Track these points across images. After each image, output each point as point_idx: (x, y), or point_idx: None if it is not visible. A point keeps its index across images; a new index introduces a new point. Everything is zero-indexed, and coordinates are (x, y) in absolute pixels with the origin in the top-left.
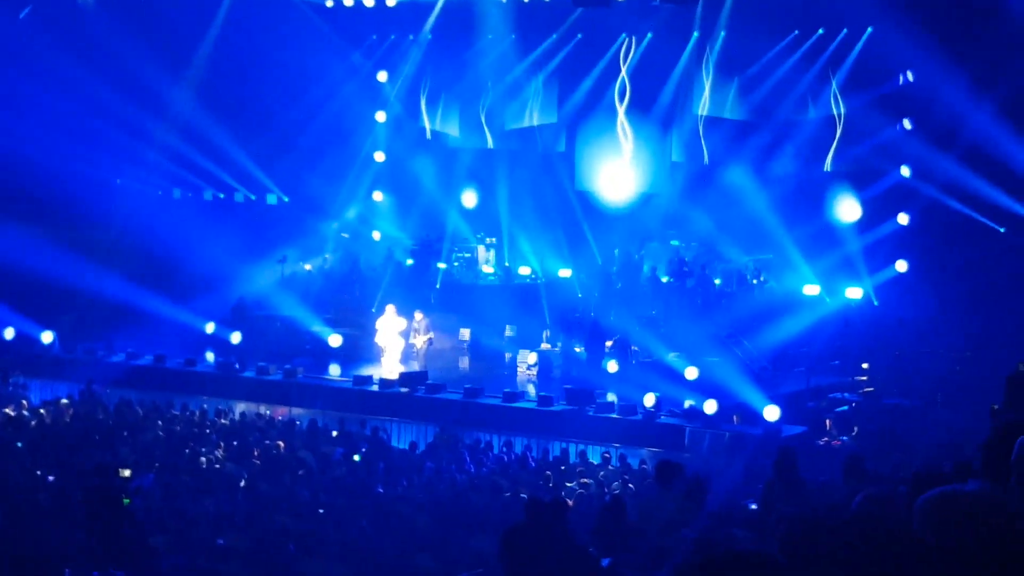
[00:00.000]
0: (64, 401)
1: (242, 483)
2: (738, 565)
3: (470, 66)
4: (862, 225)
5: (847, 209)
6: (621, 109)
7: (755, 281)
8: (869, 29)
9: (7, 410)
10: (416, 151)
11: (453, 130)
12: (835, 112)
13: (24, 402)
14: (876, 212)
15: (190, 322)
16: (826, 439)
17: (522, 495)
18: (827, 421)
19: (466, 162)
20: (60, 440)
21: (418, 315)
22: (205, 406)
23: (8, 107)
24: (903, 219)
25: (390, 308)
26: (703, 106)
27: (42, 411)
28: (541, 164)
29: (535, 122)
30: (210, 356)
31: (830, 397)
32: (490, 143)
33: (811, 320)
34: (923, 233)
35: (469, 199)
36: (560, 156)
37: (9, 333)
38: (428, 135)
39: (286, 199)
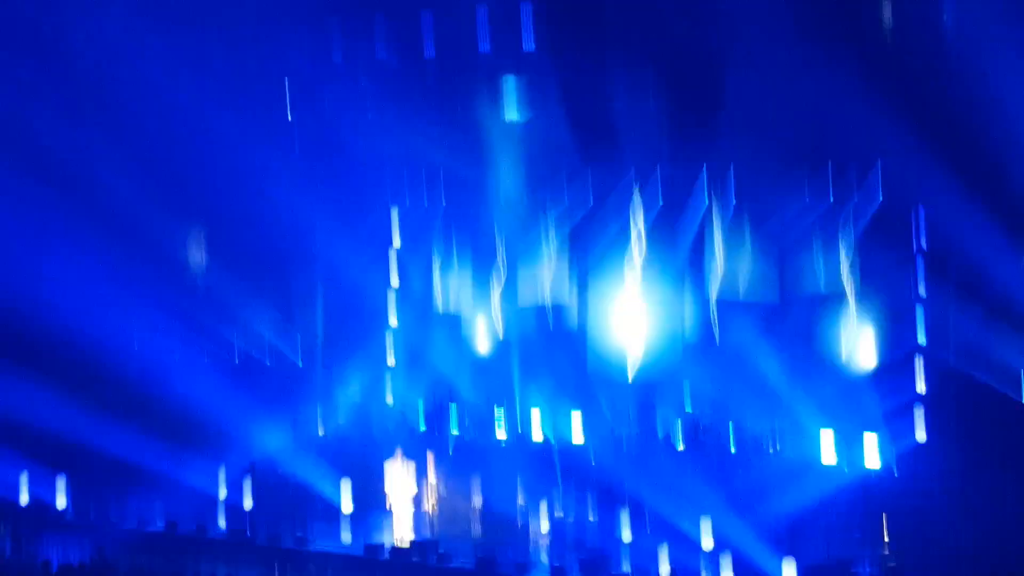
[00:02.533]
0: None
1: None
2: None
3: (484, 227)
4: (881, 392)
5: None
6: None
7: (771, 450)
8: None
9: None
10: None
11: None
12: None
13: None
14: (895, 379)
15: (202, 486)
16: None
17: None
18: None
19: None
20: None
21: (431, 476)
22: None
23: (20, 264)
24: (921, 387)
25: (400, 466)
26: (714, 286)
27: None
28: (554, 336)
29: (548, 299)
30: (222, 522)
31: (852, 572)
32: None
33: (830, 490)
34: (944, 400)
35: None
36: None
37: (24, 498)
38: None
39: (300, 364)
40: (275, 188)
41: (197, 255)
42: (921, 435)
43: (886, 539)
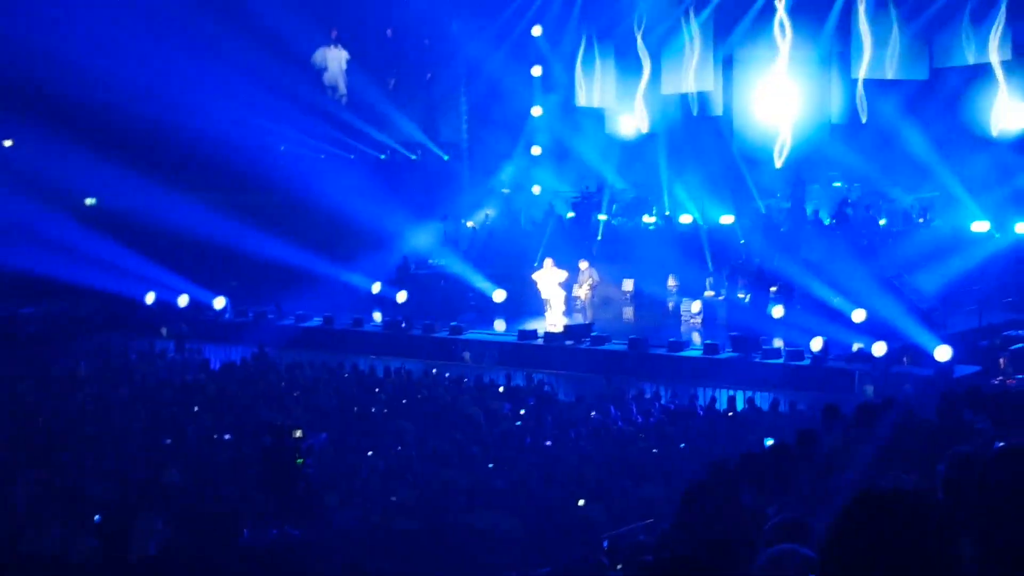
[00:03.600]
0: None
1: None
2: (900, 504)
3: (625, 13)
4: None
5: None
6: (781, 6)
7: (921, 220)
8: None
9: (184, 375)
10: (572, 103)
11: (609, 90)
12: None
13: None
14: None
15: (356, 283)
16: (1001, 378)
17: (682, 446)
18: (1001, 360)
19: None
20: (235, 403)
21: (583, 264)
22: (374, 365)
23: (173, 81)
24: None
25: (548, 261)
26: (864, 64)
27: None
28: (699, 123)
29: (692, 88)
30: (377, 316)
31: (1004, 335)
32: (646, 119)
33: (981, 257)
34: None
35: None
36: (718, 119)
37: (183, 300)
38: (579, 101)
39: (446, 157)
40: None
41: (336, 58)
42: None
43: None
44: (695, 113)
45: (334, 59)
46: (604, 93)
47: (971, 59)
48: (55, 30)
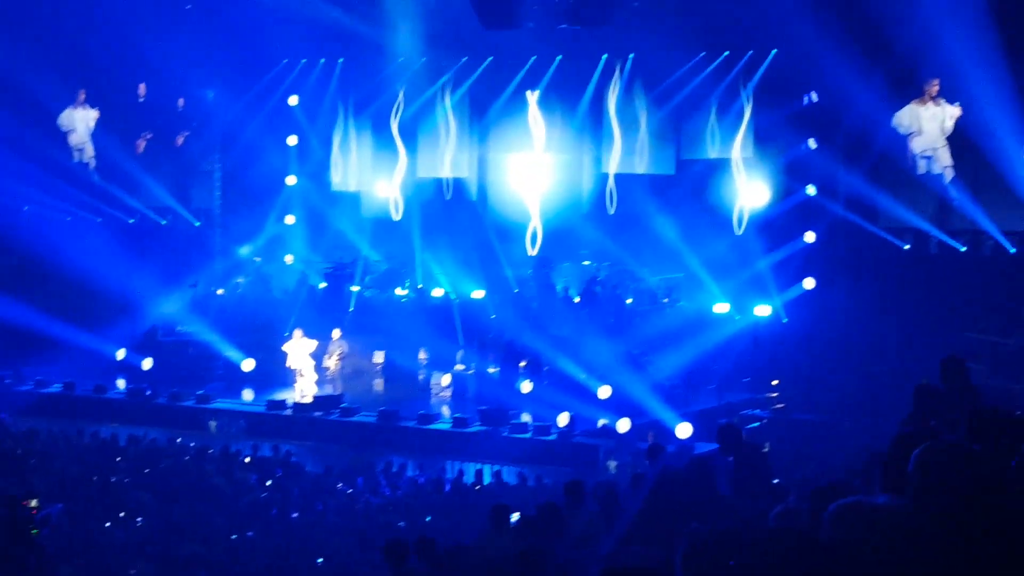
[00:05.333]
0: None
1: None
2: None
3: (383, 88)
4: (770, 243)
5: (755, 192)
6: (532, 99)
7: (665, 300)
8: (774, 51)
9: None
10: (326, 177)
11: (366, 173)
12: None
13: None
14: (784, 230)
15: (100, 348)
16: None
17: (428, 519)
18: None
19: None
20: None
21: (335, 334)
22: (116, 433)
23: None
24: (810, 237)
25: (297, 332)
26: (614, 157)
27: None
28: (453, 202)
29: (448, 174)
30: (121, 383)
31: (741, 414)
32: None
33: (721, 338)
34: (829, 249)
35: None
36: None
37: None
38: (334, 181)
39: (197, 223)
40: (168, 46)
41: (83, 119)
42: (809, 283)
43: (774, 382)
44: (448, 197)
45: (81, 120)
46: (360, 175)
47: (714, 154)
48: None
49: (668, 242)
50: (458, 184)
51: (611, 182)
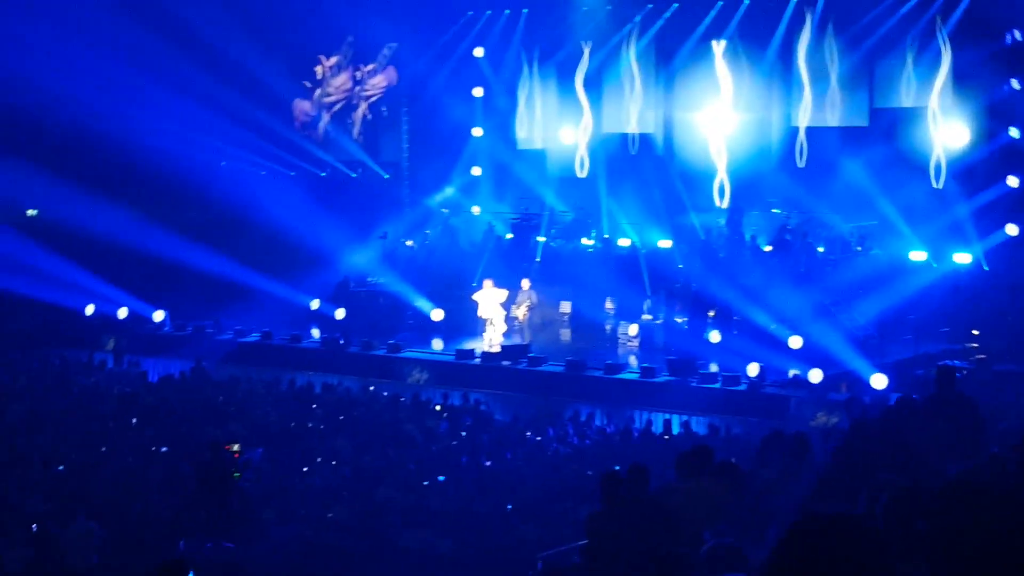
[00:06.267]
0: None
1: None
2: (840, 529)
3: (567, 38)
4: (970, 189)
5: (955, 136)
6: (719, 49)
7: (859, 248)
8: None
9: (122, 387)
10: (511, 130)
11: (551, 130)
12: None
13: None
14: (985, 175)
15: (296, 299)
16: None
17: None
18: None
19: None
20: (172, 416)
21: (525, 284)
22: (311, 381)
23: (118, 95)
24: (1013, 182)
25: (487, 282)
26: (804, 110)
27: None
28: (639, 153)
29: (633, 129)
30: (315, 333)
31: (939, 364)
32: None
33: (918, 287)
34: None
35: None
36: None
37: (122, 312)
38: (518, 143)
39: (386, 176)
40: (358, 10)
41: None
42: (1012, 229)
43: (974, 332)
44: (634, 152)
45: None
46: (545, 131)
47: (909, 102)
48: None
49: (860, 189)
50: (644, 139)
51: (801, 135)
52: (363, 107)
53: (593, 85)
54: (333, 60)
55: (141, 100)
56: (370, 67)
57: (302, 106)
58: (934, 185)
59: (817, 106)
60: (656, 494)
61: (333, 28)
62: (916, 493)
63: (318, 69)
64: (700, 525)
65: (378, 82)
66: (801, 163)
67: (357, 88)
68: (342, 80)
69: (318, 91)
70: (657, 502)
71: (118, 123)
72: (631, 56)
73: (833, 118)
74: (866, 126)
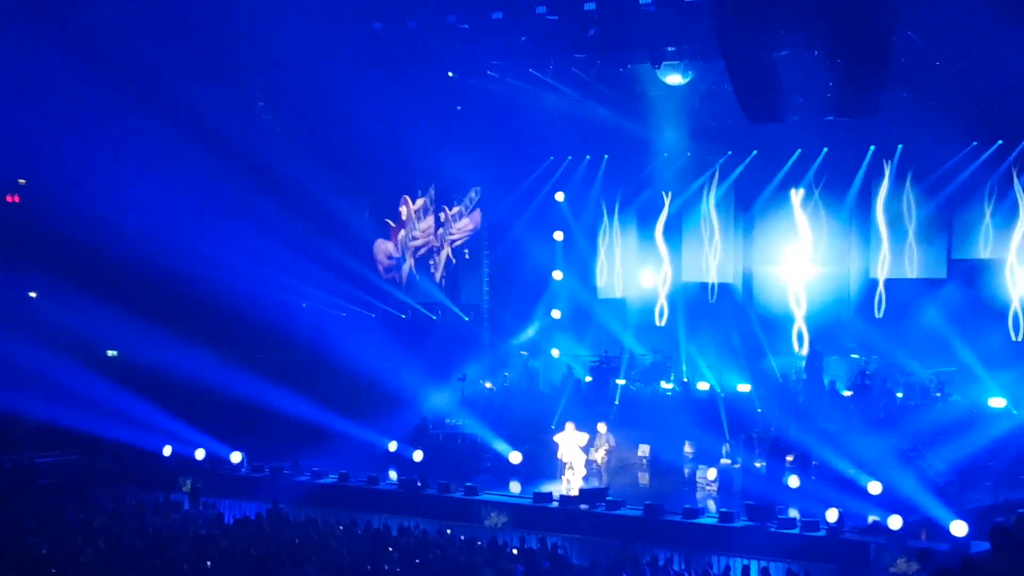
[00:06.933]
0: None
1: None
2: None
3: (647, 185)
4: None
5: None
6: (797, 198)
7: (938, 394)
8: None
9: (198, 529)
10: (591, 273)
11: (631, 280)
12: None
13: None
14: None
15: (374, 441)
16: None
17: None
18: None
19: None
20: (247, 559)
21: (601, 427)
22: (388, 524)
23: (198, 236)
24: None
25: (569, 425)
26: (883, 262)
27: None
28: (718, 298)
29: (713, 279)
30: (393, 475)
31: (1020, 512)
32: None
33: (998, 433)
34: None
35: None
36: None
37: (200, 454)
38: (598, 292)
39: (466, 318)
40: (443, 154)
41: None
42: None
43: None
44: (712, 301)
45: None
46: (625, 280)
47: (987, 253)
48: (81, 181)
49: (939, 336)
50: (723, 288)
51: (880, 287)
52: (447, 250)
53: (673, 232)
54: (420, 203)
55: (222, 238)
56: (455, 210)
57: (385, 247)
58: (1013, 338)
59: (895, 257)
60: None
61: (417, 170)
62: None
63: (402, 210)
64: None
65: (463, 226)
66: (879, 314)
67: (441, 231)
68: (427, 223)
69: (402, 232)
70: None
71: (199, 262)
72: (711, 202)
73: (912, 270)
74: (944, 278)
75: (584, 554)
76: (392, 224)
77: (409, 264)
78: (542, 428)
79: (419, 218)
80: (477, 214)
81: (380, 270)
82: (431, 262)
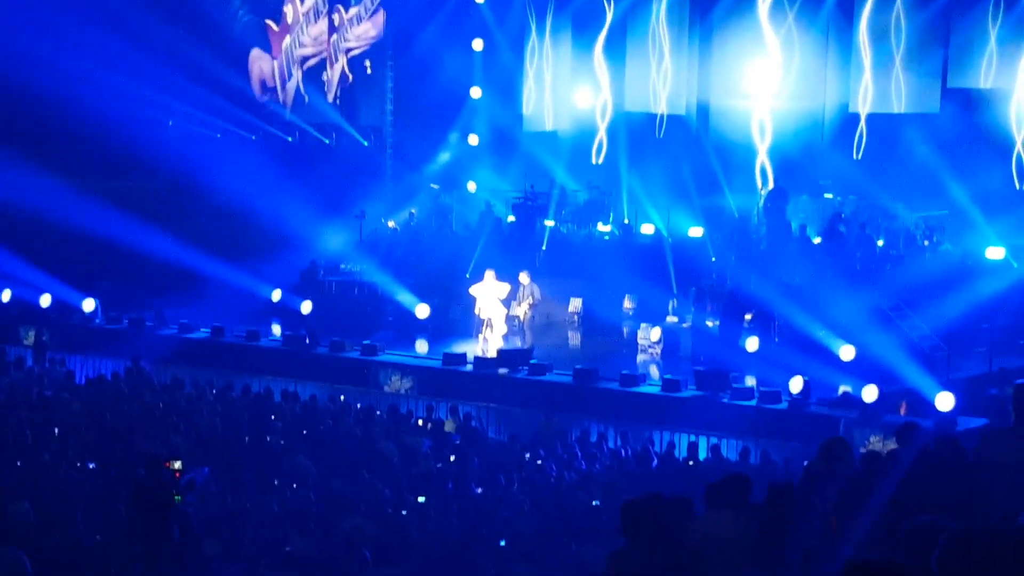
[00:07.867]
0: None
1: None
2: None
3: None
4: None
5: None
6: (765, 6)
7: (926, 242)
8: None
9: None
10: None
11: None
12: None
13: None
14: None
15: (253, 288)
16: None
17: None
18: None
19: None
20: (102, 426)
21: (524, 277)
22: (270, 387)
23: (41, 39)
24: None
25: (489, 273)
26: (863, 98)
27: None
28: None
29: (663, 110)
30: (276, 329)
31: (1017, 383)
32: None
33: (995, 290)
34: None
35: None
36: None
37: (45, 300)
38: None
39: (365, 143)
40: None
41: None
42: None
43: None
44: (660, 136)
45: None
46: (556, 108)
47: (989, 84)
48: None
49: (929, 173)
50: (673, 120)
51: (862, 124)
52: (342, 61)
53: (616, 49)
54: (310, 2)
55: (68, 44)
56: (353, 12)
57: (261, 64)
58: (1016, 186)
59: (880, 88)
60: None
61: None
62: (979, 540)
63: (287, 10)
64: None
65: (363, 32)
66: (858, 156)
67: (335, 38)
68: (319, 29)
69: (287, 39)
70: (690, 540)
71: (42, 72)
72: (661, 10)
73: (898, 103)
74: (936, 112)
75: (502, 427)
76: (274, 28)
77: (296, 79)
78: (455, 277)
79: (308, 21)
80: (380, 17)
81: (255, 91)
82: (323, 76)
